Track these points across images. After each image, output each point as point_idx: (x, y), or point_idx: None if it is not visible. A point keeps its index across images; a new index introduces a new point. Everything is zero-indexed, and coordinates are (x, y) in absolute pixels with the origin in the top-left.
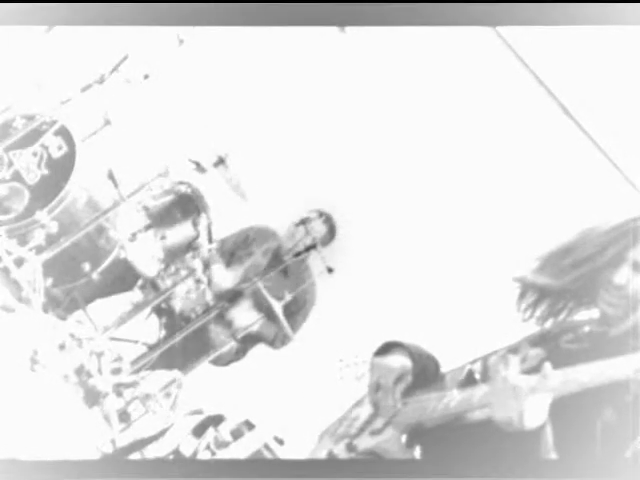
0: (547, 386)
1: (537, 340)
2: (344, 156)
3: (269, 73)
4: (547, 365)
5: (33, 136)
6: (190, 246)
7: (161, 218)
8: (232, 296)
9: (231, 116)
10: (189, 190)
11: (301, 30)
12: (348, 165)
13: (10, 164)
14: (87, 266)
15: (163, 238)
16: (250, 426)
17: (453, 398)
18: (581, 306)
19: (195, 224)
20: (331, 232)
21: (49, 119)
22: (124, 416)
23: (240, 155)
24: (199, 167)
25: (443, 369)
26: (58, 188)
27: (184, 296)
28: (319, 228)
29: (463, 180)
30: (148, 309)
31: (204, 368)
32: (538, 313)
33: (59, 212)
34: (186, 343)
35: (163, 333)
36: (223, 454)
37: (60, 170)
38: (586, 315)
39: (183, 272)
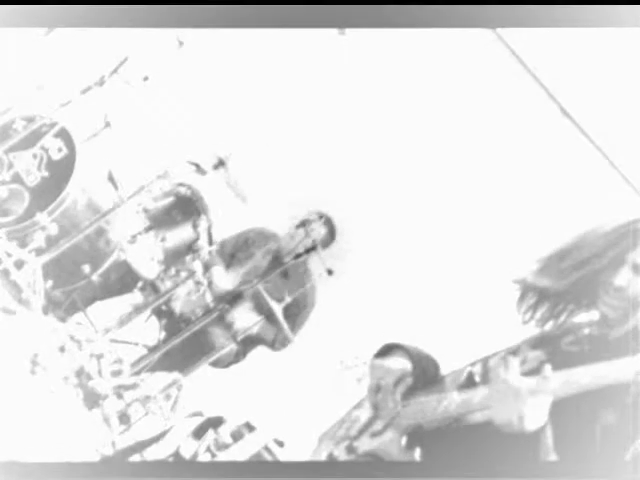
0: (547, 388)
1: (537, 342)
2: (344, 158)
3: (269, 75)
4: (547, 367)
5: (33, 138)
6: (190, 248)
7: (161, 220)
8: (232, 298)
9: (231, 118)
10: (189, 192)
11: (301, 32)
12: (348, 167)
13: (10, 166)
14: (87, 268)
15: (163, 240)
16: (250, 428)
17: (453, 400)
18: (581, 308)
19: (195, 226)
20: (331, 234)
21: (49, 121)
22: (124, 418)
23: (240, 157)
24: (199, 169)
25: (443, 371)
26: (58, 190)
27: (184, 298)
28: (319, 230)
29: (463, 182)
30: (148, 311)
31: (204, 370)
32: (538, 315)
33: (59, 214)
34: (186, 345)
35: (163, 335)
36: (223, 456)
37: (60, 172)
38: (586, 317)
39: (183, 274)
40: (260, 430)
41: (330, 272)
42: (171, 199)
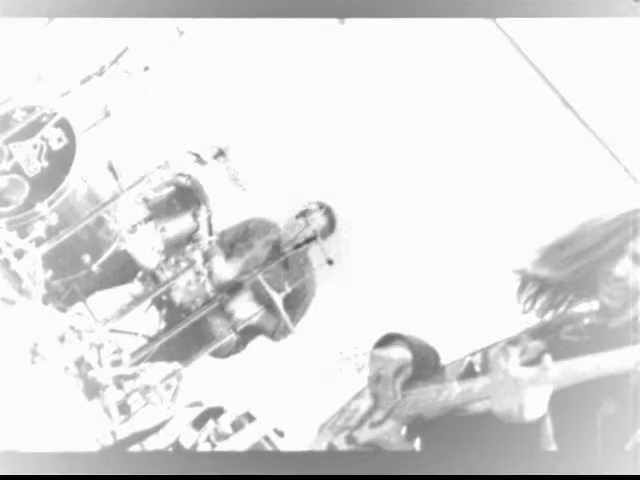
0: (547, 378)
1: (537, 332)
2: (344, 148)
3: (269, 65)
4: (547, 357)
5: (33, 128)
6: (190, 238)
7: (161, 210)
8: (232, 288)
9: (231, 108)
10: (189, 182)
11: (301, 22)
12: (348, 157)
13: (10, 156)
14: (87, 258)
15: (163, 230)
16: (250, 418)
17: (453, 390)
18: (581, 298)
19: (195, 216)
20: (331, 224)
21: (49, 111)
22: (124, 408)
23: (240, 147)
24: (199, 159)
25: (443, 361)
26: (58, 180)
27: (184, 288)
28: (319, 220)
29: (463, 172)
30: (148, 301)
31: (204, 360)
32: (538, 305)
33: (59, 204)
34: (186, 335)
35: (163, 325)
36: (223, 446)
37: (60, 162)
38: (586, 307)
39: (183, 264)
40: (260, 420)
41: (330, 262)
42: (171, 189)
